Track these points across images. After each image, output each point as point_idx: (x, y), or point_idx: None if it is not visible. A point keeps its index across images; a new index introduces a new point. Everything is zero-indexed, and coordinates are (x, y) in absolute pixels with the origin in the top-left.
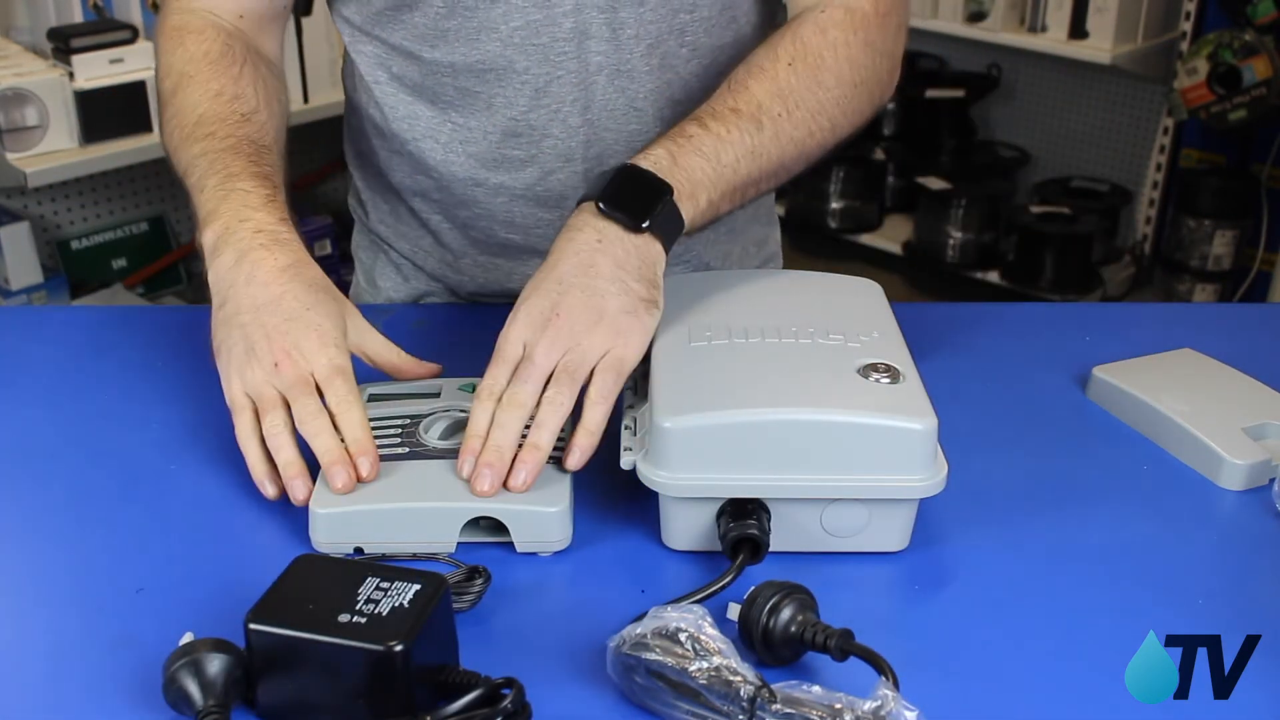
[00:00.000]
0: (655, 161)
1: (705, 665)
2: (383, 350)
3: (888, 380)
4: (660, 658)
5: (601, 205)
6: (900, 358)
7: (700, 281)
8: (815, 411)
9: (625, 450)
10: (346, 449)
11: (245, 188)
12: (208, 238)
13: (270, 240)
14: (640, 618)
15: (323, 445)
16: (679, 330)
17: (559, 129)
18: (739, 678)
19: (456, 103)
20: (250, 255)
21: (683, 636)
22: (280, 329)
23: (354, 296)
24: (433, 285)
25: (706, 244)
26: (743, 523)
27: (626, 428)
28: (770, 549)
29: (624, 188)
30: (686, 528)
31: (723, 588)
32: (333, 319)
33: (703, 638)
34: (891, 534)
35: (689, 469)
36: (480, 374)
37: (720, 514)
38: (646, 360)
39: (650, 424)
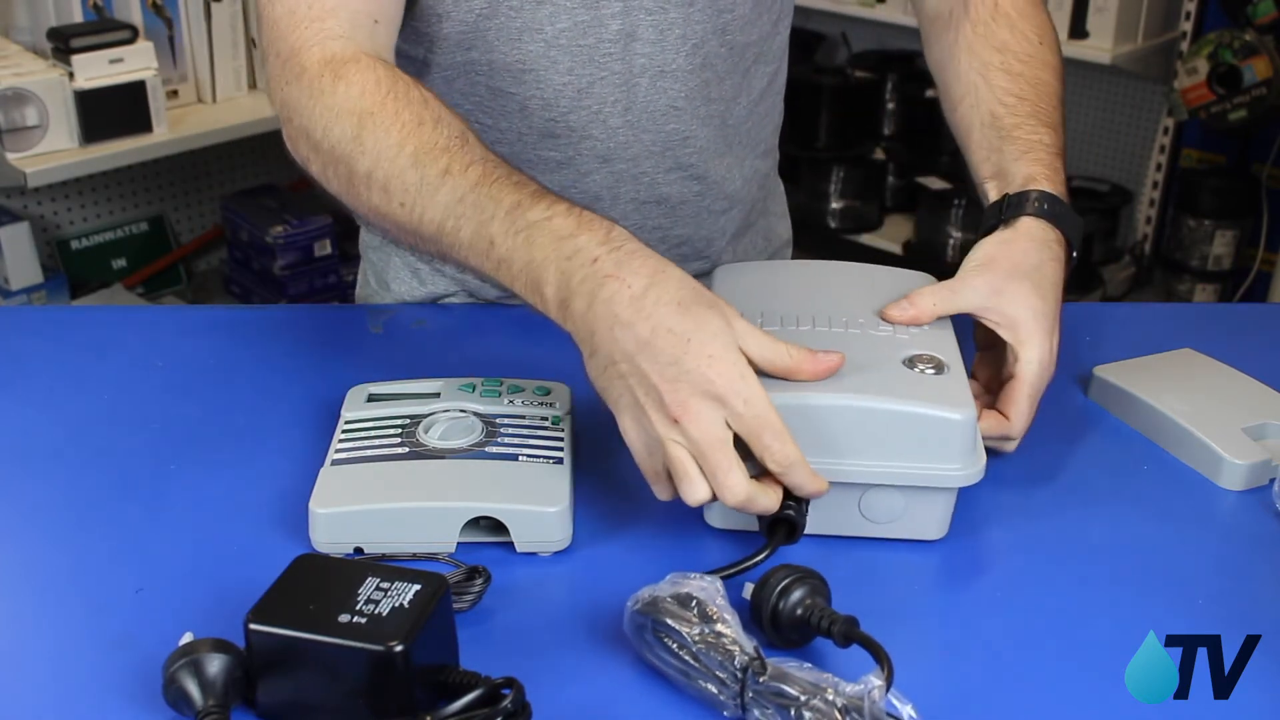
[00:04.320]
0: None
1: (707, 631)
2: (769, 354)
3: (932, 371)
4: (668, 619)
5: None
6: (947, 350)
7: (755, 270)
8: (857, 398)
9: None
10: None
11: (537, 217)
12: (550, 295)
13: (612, 264)
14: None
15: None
16: None
17: (599, 130)
18: (736, 647)
19: (486, 103)
20: (600, 294)
21: (694, 603)
22: (667, 377)
23: (362, 297)
24: (452, 287)
25: (727, 239)
26: (781, 503)
27: None
28: (808, 532)
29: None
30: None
31: (755, 564)
32: (720, 339)
33: (712, 607)
34: (929, 523)
35: None
36: (480, 374)
37: None
38: None
39: None
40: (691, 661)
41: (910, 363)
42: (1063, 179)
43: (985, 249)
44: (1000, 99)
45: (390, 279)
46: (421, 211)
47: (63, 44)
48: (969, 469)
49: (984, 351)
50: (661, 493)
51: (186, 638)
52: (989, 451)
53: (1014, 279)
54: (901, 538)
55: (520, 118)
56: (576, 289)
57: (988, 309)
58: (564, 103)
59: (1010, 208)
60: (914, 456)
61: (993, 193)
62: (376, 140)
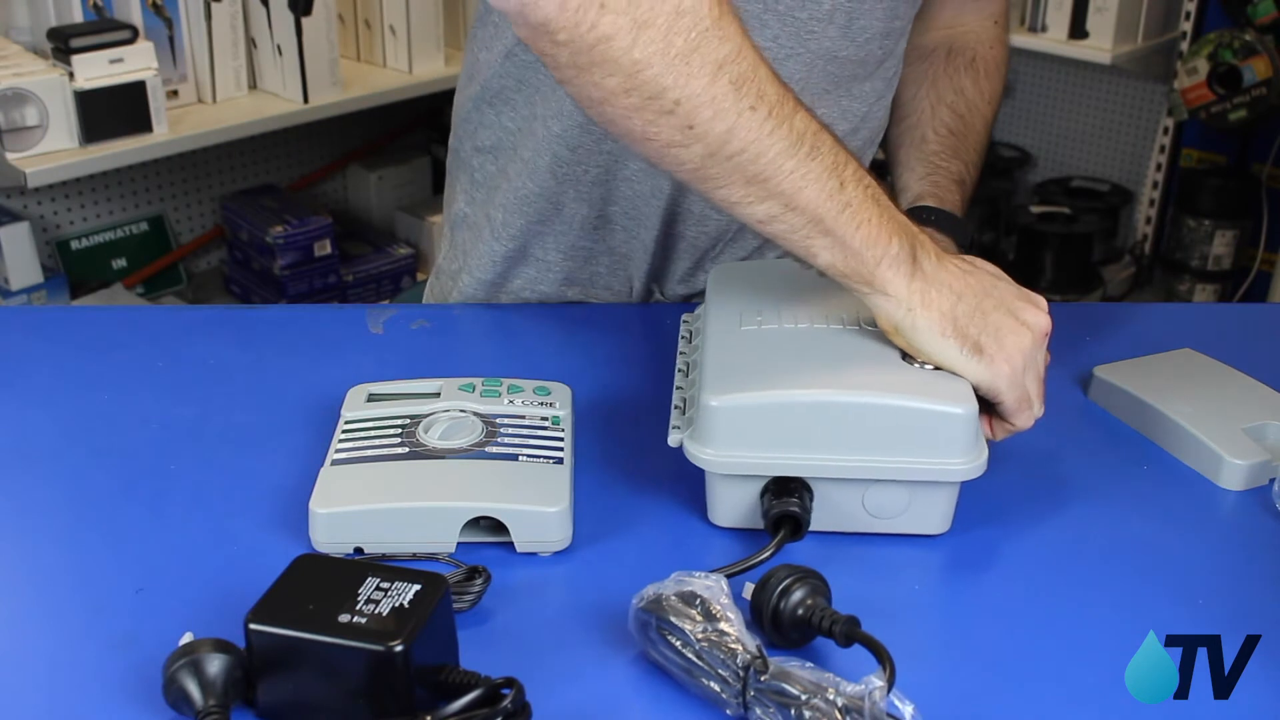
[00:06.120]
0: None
1: (710, 629)
2: None
3: (931, 366)
4: (671, 617)
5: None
6: None
7: (752, 269)
8: (858, 394)
9: (673, 428)
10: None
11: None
12: (896, 248)
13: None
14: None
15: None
16: (731, 313)
17: None
18: (739, 646)
19: None
20: (942, 258)
21: (697, 601)
22: (1019, 307)
23: (447, 271)
24: (579, 270)
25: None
26: (784, 500)
27: (676, 407)
28: (813, 529)
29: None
30: (732, 505)
31: (761, 562)
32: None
33: (715, 606)
34: (932, 517)
35: (733, 447)
36: (480, 374)
37: (764, 492)
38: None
39: (698, 402)
40: (694, 659)
41: (909, 358)
42: (956, 198)
43: None
44: (935, 128)
45: (508, 275)
46: (774, 125)
47: (63, 44)
48: (971, 463)
49: None
50: (1031, 419)
51: (186, 638)
52: (992, 447)
53: None
54: (905, 533)
55: None
56: (921, 243)
57: None
58: None
59: None
60: (916, 451)
61: (901, 202)
62: (740, 32)
